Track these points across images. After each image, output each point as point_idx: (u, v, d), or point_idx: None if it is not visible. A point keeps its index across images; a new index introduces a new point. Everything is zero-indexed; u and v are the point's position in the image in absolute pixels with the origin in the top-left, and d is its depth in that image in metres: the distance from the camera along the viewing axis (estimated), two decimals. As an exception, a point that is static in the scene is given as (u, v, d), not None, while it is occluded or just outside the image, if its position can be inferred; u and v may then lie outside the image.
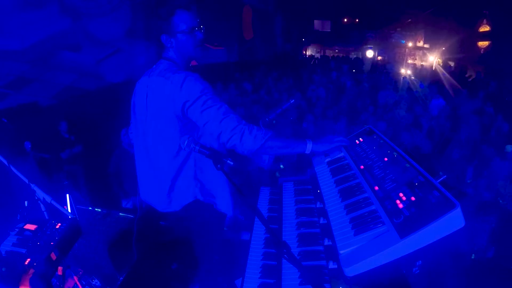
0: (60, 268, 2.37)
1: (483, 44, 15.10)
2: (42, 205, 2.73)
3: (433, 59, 15.63)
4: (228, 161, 1.65)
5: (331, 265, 1.75)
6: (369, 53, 16.94)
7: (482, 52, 14.96)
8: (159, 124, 1.92)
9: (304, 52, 20.07)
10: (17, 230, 2.38)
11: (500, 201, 4.64)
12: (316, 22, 19.81)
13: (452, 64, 14.55)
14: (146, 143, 2.00)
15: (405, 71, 12.68)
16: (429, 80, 10.40)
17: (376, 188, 1.82)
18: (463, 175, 5.41)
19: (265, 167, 2.56)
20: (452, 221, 1.39)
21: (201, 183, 1.97)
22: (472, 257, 3.85)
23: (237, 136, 1.83)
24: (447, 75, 11.74)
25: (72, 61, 8.45)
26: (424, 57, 17.13)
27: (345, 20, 20.35)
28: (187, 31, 1.96)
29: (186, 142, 1.73)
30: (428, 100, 8.43)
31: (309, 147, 2.02)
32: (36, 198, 2.70)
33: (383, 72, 12.31)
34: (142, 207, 2.10)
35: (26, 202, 2.69)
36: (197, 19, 1.99)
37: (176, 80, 1.86)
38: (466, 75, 12.19)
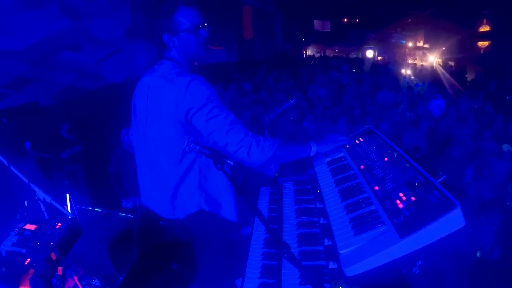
0: (60, 268, 2.36)
1: (483, 44, 15.10)
2: (42, 205, 2.73)
3: (433, 59, 15.63)
4: (228, 161, 1.63)
5: (331, 265, 1.74)
6: (369, 53, 16.95)
7: (482, 52, 14.96)
8: (160, 128, 1.82)
9: (304, 52, 20.08)
10: (17, 230, 2.38)
11: (508, 203, 4.62)
12: (316, 22, 19.82)
13: (452, 64, 14.56)
14: (147, 147, 1.92)
15: (405, 71, 12.70)
16: (429, 80, 10.41)
17: (376, 188, 1.82)
18: (463, 175, 5.41)
19: (272, 175, 2.55)
20: (452, 221, 1.39)
21: (206, 192, 1.89)
22: (478, 255, 3.84)
23: (244, 149, 1.76)
24: (447, 75, 11.75)
25: (72, 61, 8.44)
26: (424, 57, 17.13)
27: (345, 20, 20.35)
28: (191, 30, 1.84)
29: (186, 142, 1.68)
30: (427, 100, 8.44)
31: (314, 149, 2.01)
32: (36, 198, 2.70)
33: (383, 72, 12.32)
34: (142, 207, 2.08)
35: (26, 202, 2.69)
36: (201, 16, 1.87)
37: (180, 84, 1.74)
38: (466, 75, 12.21)
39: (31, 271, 2.01)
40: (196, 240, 1.92)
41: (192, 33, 1.85)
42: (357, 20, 20.01)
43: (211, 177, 1.89)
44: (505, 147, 5.52)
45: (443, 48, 15.41)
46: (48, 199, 2.71)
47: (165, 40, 1.87)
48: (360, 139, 2.35)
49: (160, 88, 1.80)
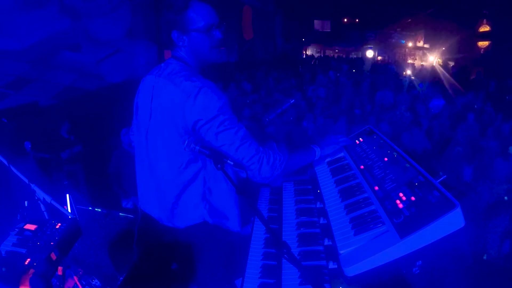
0: (60, 268, 2.36)
1: (483, 44, 15.12)
2: (42, 205, 2.73)
3: (433, 59, 15.65)
4: (228, 161, 1.61)
5: (331, 265, 1.74)
6: (369, 53, 16.99)
7: (482, 52, 14.98)
8: (164, 133, 1.71)
9: (304, 52, 20.10)
10: (17, 230, 2.37)
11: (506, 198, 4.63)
12: (316, 22, 19.86)
13: (452, 64, 14.57)
14: (149, 150, 1.81)
15: (405, 71, 12.72)
16: (429, 80, 10.42)
17: (376, 188, 1.82)
18: (462, 175, 5.40)
19: (279, 185, 2.54)
20: (452, 221, 1.39)
21: (210, 204, 1.81)
22: (484, 257, 3.84)
23: (255, 166, 1.69)
24: (447, 75, 11.76)
25: (72, 61, 8.43)
26: (424, 57, 17.17)
27: (345, 20, 20.39)
28: (204, 30, 1.69)
29: (186, 142, 1.61)
30: (428, 100, 8.44)
31: (317, 153, 2.00)
32: (36, 198, 2.70)
33: (383, 72, 12.33)
34: (142, 210, 2.06)
35: (26, 202, 2.69)
36: (216, 15, 1.73)
37: (188, 90, 1.61)
38: (466, 75, 12.21)
39: (31, 271, 2.01)
40: (197, 245, 1.89)
41: (205, 33, 1.71)
42: (357, 20, 20.04)
43: (217, 189, 1.82)
44: (511, 149, 5.52)
45: (443, 48, 15.44)
46: (48, 199, 2.70)
47: (174, 38, 1.71)
48: (360, 139, 2.35)
49: (166, 91, 1.68)
